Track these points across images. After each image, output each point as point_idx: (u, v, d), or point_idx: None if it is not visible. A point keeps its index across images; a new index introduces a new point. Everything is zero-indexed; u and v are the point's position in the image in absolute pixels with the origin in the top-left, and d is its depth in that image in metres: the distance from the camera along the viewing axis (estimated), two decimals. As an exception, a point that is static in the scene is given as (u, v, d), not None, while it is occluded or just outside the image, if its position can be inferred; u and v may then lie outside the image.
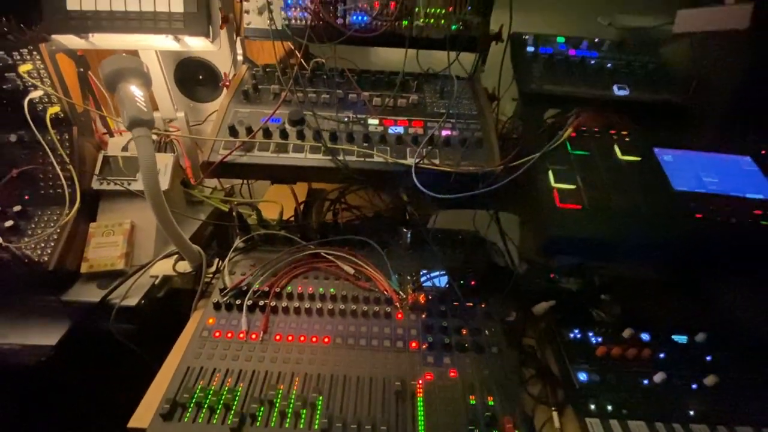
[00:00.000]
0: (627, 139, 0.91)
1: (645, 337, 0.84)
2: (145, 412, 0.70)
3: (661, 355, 0.80)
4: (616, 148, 0.88)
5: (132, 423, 0.68)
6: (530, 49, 1.18)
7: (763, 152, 0.89)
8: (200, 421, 0.65)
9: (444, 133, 0.92)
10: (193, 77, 1.33)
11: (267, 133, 0.88)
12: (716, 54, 1.04)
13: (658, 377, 0.75)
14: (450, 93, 1.01)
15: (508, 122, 1.20)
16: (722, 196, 0.80)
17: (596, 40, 1.21)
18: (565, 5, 1.45)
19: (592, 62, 1.16)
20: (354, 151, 0.87)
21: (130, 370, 0.88)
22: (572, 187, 0.79)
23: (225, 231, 1.26)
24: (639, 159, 0.86)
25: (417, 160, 0.85)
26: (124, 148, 1.07)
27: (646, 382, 0.76)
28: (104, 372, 0.95)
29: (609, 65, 1.15)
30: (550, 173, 0.81)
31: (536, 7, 1.42)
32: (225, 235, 1.24)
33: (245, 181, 1.35)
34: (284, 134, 0.88)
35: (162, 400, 0.66)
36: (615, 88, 1.09)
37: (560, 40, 1.21)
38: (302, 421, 0.65)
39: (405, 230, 0.97)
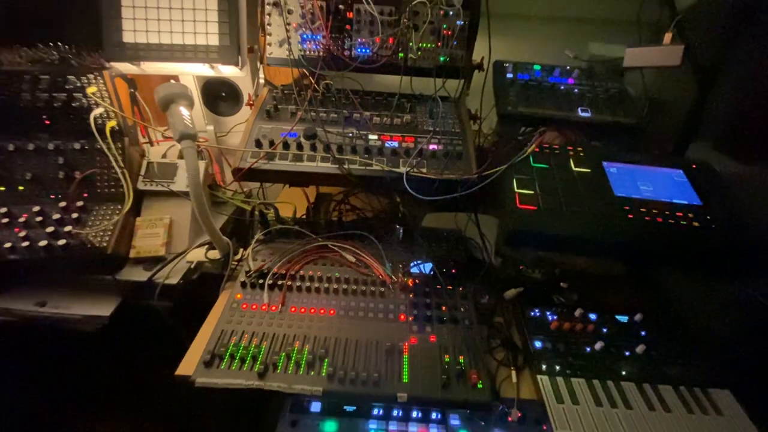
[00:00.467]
0: (581, 154, 1.10)
1: (593, 316, 1.02)
2: (187, 365, 0.88)
3: (604, 330, 0.99)
4: (571, 162, 1.07)
5: (179, 371, 0.87)
6: (509, 75, 1.38)
7: (694, 166, 1.08)
8: (234, 368, 0.83)
9: (431, 147, 1.11)
10: (217, 94, 1.53)
11: (286, 146, 1.08)
12: (660, 84, 1.24)
13: (598, 345, 0.94)
14: (437, 114, 1.21)
15: (490, 137, 1.40)
16: (653, 201, 0.99)
17: (567, 67, 1.41)
18: (544, 35, 1.66)
19: (562, 87, 1.36)
20: (357, 161, 1.06)
21: (168, 337, 1.07)
22: (531, 192, 0.98)
23: (243, 228, 1.46)
24: (589, 170, 1.06)
25: (408, 169, 1.04)
26: (164, 156, 1.28)
27: (588, 349, 0.94)
28: (148, 337, 1.14)
29: (576, 90, 1.35)
30: (515, 181, 1.01)
31: (520, 37, 1.62)
32: (243, 231, 1.44)
33: (261, 186, 1.55)
34: (300, 146, 1.08)
35: (203, 352, 0.85)
36: (579, 110, 1.29)
37: (537, 67, 1.42)
38: (313, 369, 0.84)
39: (398, 227, 1.16)
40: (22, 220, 1.06)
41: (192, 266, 1.12)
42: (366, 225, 1.22)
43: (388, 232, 1.20)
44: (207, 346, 0.86)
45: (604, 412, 0.82)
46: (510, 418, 0.86)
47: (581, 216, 0.94)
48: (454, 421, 1.02)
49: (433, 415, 1.03)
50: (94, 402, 1.22)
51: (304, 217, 1.26)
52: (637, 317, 1.02)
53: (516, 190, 0.98)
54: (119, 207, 1.13)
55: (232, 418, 1.22)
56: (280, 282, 1.02)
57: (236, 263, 1.15)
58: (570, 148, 1.12)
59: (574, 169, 1.06)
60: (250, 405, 1.12)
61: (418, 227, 1.22)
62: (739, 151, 1.05)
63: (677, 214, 0.96)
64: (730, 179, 1.04)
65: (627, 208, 0.96)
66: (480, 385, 0.83)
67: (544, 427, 1.01)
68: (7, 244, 1.01)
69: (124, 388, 1.21)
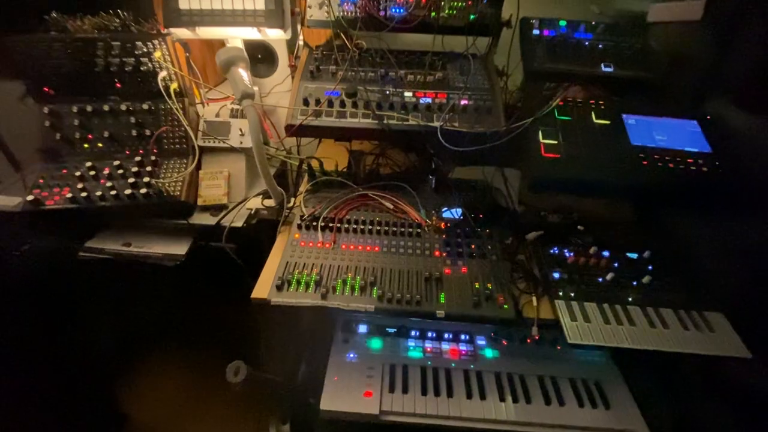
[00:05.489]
0: (602, 107, 1.19)
1: (606, 253, 1.16)
2: (261, 290, 1.05)
3: (615, 264, 1.12)
4: (593, 114, 1.17)
5: (254, 294, 1.04)
6: (536, 32, 1.43)
7: (708, 117, 1.16)
8: (300, 290, 1.01)
9: (462, 102, 1.21)
10: (254, 56, 1.63)
11: (330, 104, 1.20)
12: (682, 39, 1.29)
13: (609, 276, 1.08)
14: (467, 70, 1.30)
15: (515, 93, 1.48)
16: (667, 149, 1.08)
17: (593, 23, 1.45)
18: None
19: (587, 43, 1.41)
20: (394, 116, 1.18)
21: (231, 274, 1.26)
22: (555, 142, 1.09)
23: (285, 180, 1.61)
24: (609, 122, 1.15)
25: (441, 123, 1.16)
26: (217, 115, 1.41)
27: (600, 279, 1.08)
28: (218, 273, 1.33)
29: (600, 46, 1.40)
30: (540, 132, 1.11)
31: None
32: (285, 183, 1.60)
33: (298, 142, 1.68)
34: (343, 104, 1.20)
35: (274, 278, 1.03)
36: (602, 66, 1.35)
37: (562, 23, 1.46)
38: (365, 292, 1.01)
39: (431, 177, 1.29)
40: (105, 172, 1.22)
41: (252, 212, 1.28)
42: (400, 176, 1.35)
43: (421, 183, 1.33)
44: (277, 274, 1.04)
45: (611, 328, 0.98)
46: (534, 335, 1.01)
47: (600, 163, 1.05)
48: (480, 341, 1.20)
49: (462, 336, 1.21)
50: (166, 329, 1.45)
51: (345, 170, 1.39)
52: (646, 254, 1.15)
53: (541, 140, 1.09)
54: (185, 161, 1.29)
55: (292, 340, 1.43)
56: (330, 225, 1.18)
57: (288, 210, 1.31)
58: (592, 102, 1.20)
59: (595, 121, 1.15)
60: (308, 327, 1.32)
61: (448, 178, 1.34)
62: (756, 105, 1.12)
63: (688, 160, 1.06)
64: (741, 131, 1.12)
65: (642, 155, 1.07)
66: (506, 306, 0.99)
67: (558, 347, 1.19)
68: (98, 193, 1.18)
69: (195, 315, 1.43)
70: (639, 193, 1.07)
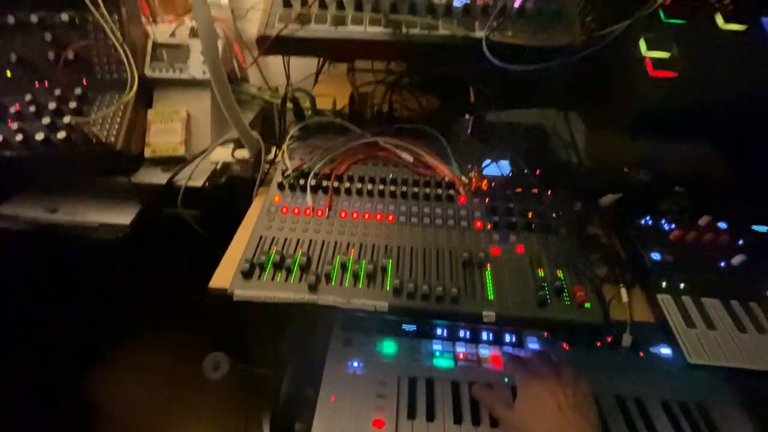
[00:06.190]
0: (730, 6, 0.79)
1: (722, 225, 0.80)
2: (222, 277, 0.73)
3: (740, 242, 0.77)
4: (718, 16, 0.77)
5: (213, 283, 0.72)
6: None
7: None
8: (278, 279, 0.68)
9: (516, 3, 0.82)
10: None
11: (322, 4, 0.82)
12: None
13: (737, 260, 0.73)
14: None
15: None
16: (840, 66, 0.70)
17: None
18: None
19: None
20: (417, 23, 0.80)
21: (196, 249, 0.93)
22: (666, 55, 0.71)
23: (271, 129, 1.25)
24: (744, 28, 0.75)
25: (488, 33, 0.78)
26: (172, 35, 1.04)
27: (723, 264, 0.73)
28: (174, 250, 1.01)
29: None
30: (642, 41, 0.73)
31: None
32: (272, 133, 1.24)
33: (288, 77, 1.30)
34: (341, 5, 0.82)
35: (240, 260, 0.70)
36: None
37: None
38: (374, 281, 0.67)
39: (467, 116, 0.93)
40: (13, 111, 0.88)
41: (217, 167, 0.94)
42: (424, 117, 0.98)
43: (452, 127, 0.96)
44: (245, 254, 0.71)
45: (750, 339, 0.64)
46: (625, 344, 0.68)
47: (742, 86, 0.67)
48: (532, 343, 0.88)
49: (507, 337, 0.89)
50: (117, 317, 1.15)
51: (347, 109, 1.02)
52: (781, 226, 0.79)
53: (645, 53, 0.71)
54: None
55: (273, 333, 1.13)
56: (324, 183, 0.83)
57: (269, 165, 0.96)
58: (714, -2, 0.80)
59: (722, 26, 0.76)
60: (295, 318, 1.01)
61: (491, 119, 0.97)
62: None
63: None
64: None
65: (807, 74, 0.68)
66: (588, 305, 0.65)
67: (641, 354, 0.86)
68: (-1, 138, 0.84)
69: (150, 302, 1.12)
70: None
